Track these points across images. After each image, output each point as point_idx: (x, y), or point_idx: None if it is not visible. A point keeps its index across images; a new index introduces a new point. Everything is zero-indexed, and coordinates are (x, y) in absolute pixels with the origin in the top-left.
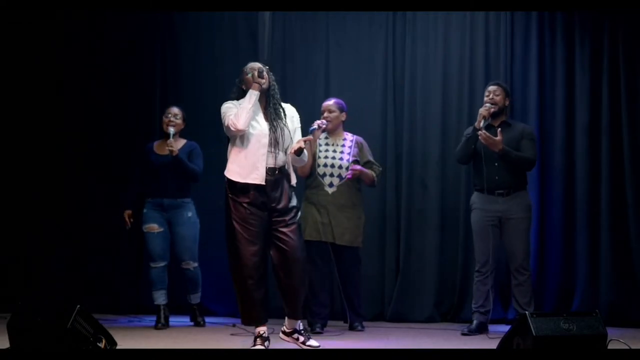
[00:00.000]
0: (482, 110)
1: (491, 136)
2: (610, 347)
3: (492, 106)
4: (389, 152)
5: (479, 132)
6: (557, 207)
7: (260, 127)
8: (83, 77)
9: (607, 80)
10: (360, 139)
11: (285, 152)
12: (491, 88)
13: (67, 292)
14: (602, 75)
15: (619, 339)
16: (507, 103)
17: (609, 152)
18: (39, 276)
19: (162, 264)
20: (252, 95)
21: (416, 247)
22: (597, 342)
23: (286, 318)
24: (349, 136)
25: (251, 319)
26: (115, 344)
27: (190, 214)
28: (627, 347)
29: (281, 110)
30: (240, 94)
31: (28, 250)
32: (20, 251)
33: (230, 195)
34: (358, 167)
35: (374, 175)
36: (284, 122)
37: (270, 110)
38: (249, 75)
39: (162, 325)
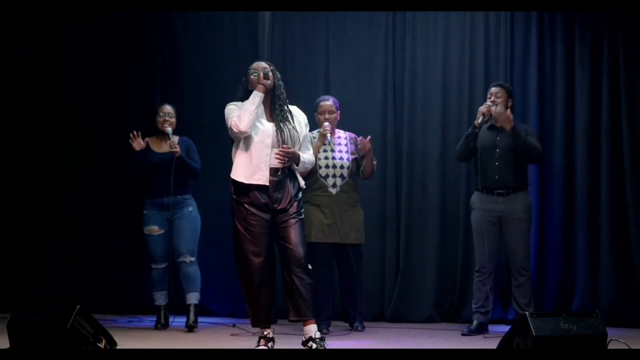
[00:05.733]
0: (482, 108)
1: (504, 111)
2: (610, 347)
3: (492, 105)
4: (389, 152)
5: (491, 107)
6: (557, 207)
7: (264, 127)
8: (83, 77)
9: (607, 80)
10: (352, 134)
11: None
12: (493, 90)
13: (67, 292)
14: (602, 75)
15: (619, 339)
16: (509, 104)
17: (609, 152)
18: (39, 276)
19: (163, 265)
20: (256, 97)
21: (416, 247)
22: (597, 342)
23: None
24: (342, 134)
25: (256, 321)
26: (115, 344)
27: (190, 209)
28: (627, 347)
29: (287, 111)
30: (246, 95)
31: (28, 251)
32: (20, 251)
33: (233, 196)
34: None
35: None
36: (292, 123)
37: (276, 111)
38: (254, 75)
39: (162, 325)
